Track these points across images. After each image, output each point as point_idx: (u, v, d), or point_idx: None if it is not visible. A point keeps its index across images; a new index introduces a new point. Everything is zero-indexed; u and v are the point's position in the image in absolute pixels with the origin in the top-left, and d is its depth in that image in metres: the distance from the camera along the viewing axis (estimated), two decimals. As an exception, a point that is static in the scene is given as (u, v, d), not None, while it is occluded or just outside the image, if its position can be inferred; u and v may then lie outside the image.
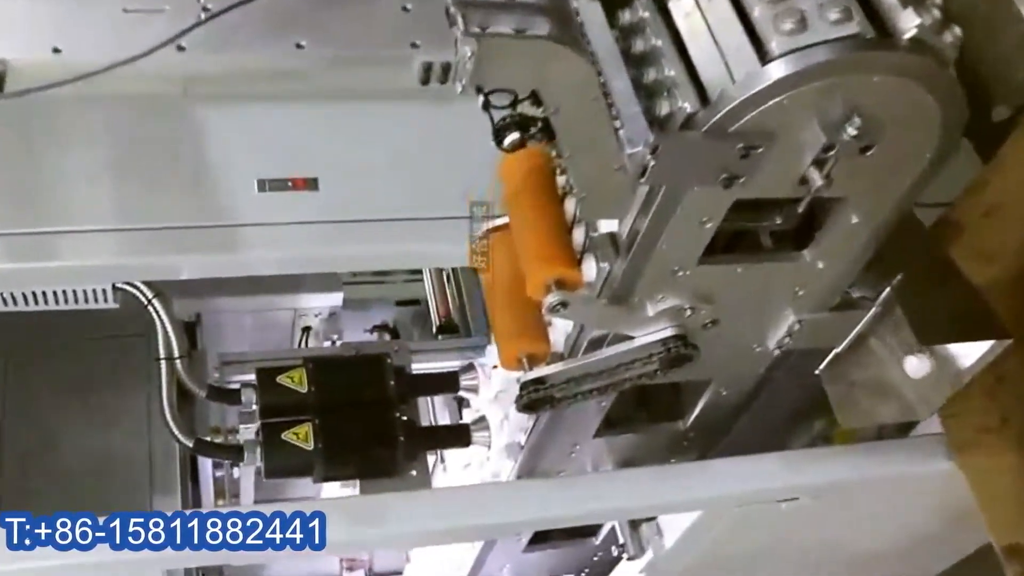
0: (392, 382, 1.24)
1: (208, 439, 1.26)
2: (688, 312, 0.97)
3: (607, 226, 0.92)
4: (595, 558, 1.61)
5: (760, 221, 0.96)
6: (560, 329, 1.05)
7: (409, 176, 1.24)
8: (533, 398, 1.00)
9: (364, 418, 1.21)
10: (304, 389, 1.20)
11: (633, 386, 1.03)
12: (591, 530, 1.58)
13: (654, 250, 0.89)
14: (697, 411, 1.22)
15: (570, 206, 1.00)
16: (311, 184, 1.22)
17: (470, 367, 1.28)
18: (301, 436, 1.17)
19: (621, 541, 1.25)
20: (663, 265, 0.91)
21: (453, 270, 1.75)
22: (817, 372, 1.15)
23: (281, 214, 1.18)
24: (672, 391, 1.28)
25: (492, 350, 1.24)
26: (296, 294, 1.62)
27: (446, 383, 1.28)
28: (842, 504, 1.20)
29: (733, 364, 1.12)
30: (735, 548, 1.24)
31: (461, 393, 1.29)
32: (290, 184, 1.21)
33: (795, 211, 0.90)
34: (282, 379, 1.21)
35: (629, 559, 1.25)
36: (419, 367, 1.31)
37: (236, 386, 1.22)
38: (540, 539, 1.52)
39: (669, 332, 0.99)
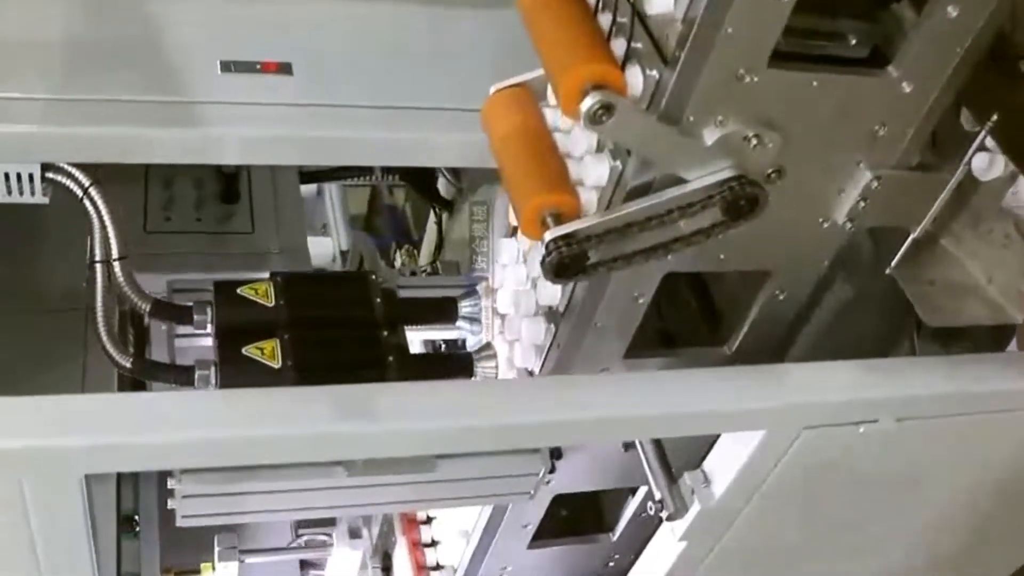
0: (379, 300, 1.02)
1: (152, 360, 1.03)
2: (753, 142, 0.79)
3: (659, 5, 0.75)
4: (611, 563, 1.36)
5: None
6: (591, 187, 0.86)
7: (395, 65, 1.07)
8: (563, 255, 0.79)
9: (344, 336, 0.99)
10: (270, 303, 0.98)
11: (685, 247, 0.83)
12: (607, 524, 1.33)
13: (718, 35, 0.71)
14: (746, 328, 1.01)
15: (604, 20, 0.82)
16: (284, 68, 1.04)
17: (471, 292, 1.07)
18: (267, 352, 0.94)
19: (658, 497, 1.01)
20: (726, 64, 0.73)
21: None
22: (889, 270, 0.96)
23: (247, 95, 1.00)
24: (713, 314, 1.08)
25: (498, 269, 1.04)
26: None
27: (443, 310, 1.07)
28: (928, 439, 0.99)
29: (796, 246, 0.92)
30: (797, 496, 1.01)
31: (459, 325, 1.08)
32: (259, 67, 1.04)
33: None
34: (244, 291, 0.99)
35: (668, 518, 1.01)
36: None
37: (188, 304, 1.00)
38: (546, 535, 1.28)
39: (729, 172, 0.80)
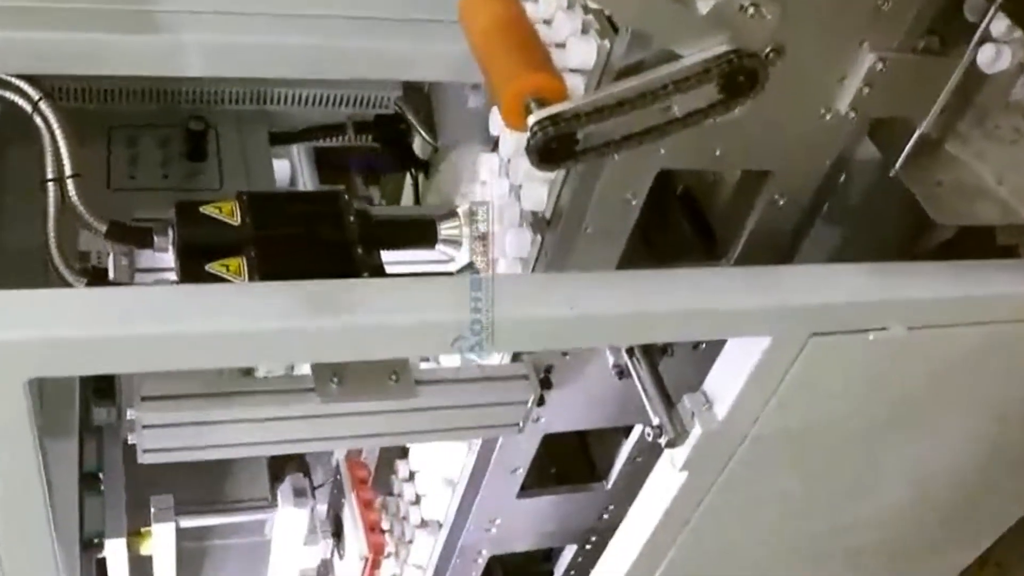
0: (352, 219, 0.96)
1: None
2: (750, 11, 0.73)
3: None
4: (605, 515, 1.29)
5: None
6: (577, 71, 0.80)
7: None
8: (550, 135, 0.73)
9: (315, 254, 0.92)
10: (236, 221, 0.92)
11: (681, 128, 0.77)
12: (600, 472, 1.27)
13: None
14: (743, 240, 0.95)
15: None
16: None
17: (451, 213, 1.01)
18: (232, 269, 0.88)
19: (656, 423, 0.95)
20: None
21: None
22: (893, 173, 0.91)
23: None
24: (707, 232, 1.02)
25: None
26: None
27: (421, 232, 1.00)
28: (940, 350, 0.93)
29: (796, 141, 0.87)
30: (803, 417, 0.95)
31: (439, 248, 1.01)
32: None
33: None
34: (208, 209, 0.92)
35: (668, 445, 0.94)
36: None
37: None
38: (538, 483, 1.21)
39: (726, 46, 0.74)
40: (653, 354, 1.01)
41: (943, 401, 1.00)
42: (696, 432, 0.93)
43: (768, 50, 0.76)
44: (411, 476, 1.26)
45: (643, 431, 1.14)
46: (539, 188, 0.88)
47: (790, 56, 0.78)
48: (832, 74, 0.82)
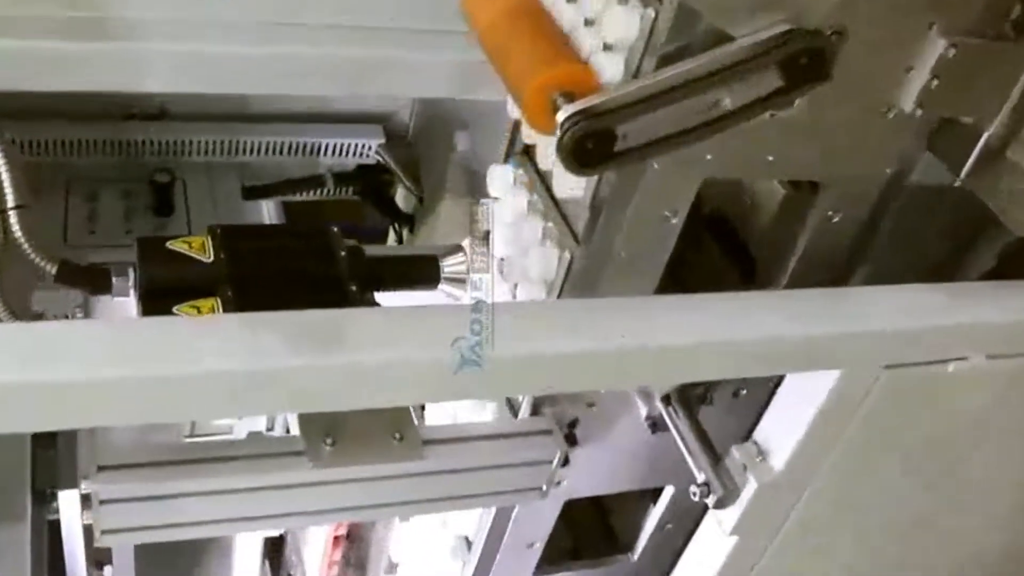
0: (343, 253, 0.83)
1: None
2: (812, -14, 0.63)
3: None
4: (631, 593, 1.14)
5: None
6: (615, 51, 0.69)
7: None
8: (586, 130, 0.61)
9: (304, 293, 0.79)
10: (208, 258, 0.79)
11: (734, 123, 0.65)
12: (623, 543, 1.13)
13: None
14: (792, 266, 0.84)
15: None
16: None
17: (455, 249, 0.89)
18: (204, 311, 0.74)
19: (701, 479, 0.82)
20: None
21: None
22: (959, 182, 0.81)
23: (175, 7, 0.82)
24: (745, 258, 0.91)
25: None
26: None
27: (423, 270, 0.88)
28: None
29: (855, 145, 0.76)
30: (873, 460, 0.82)
31: (443, 288, 0.89)
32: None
33: None
34: (175, 245, 0.79)
35: (717, 505, 0.81)
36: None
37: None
38: (552, 559, 1.07)
39: (783, 26, 0.64)
40: (691, 402, 0.88)
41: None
42: (750, 488, 0.80)
43: (829, 32, 0.66)
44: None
45: (674, 494, 1.01)
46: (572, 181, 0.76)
47: (852, 41, 0.67)
48: (897, 63, 0.71)
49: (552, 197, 0.80)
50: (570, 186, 0.76)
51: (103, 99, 1.39)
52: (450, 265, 0.88)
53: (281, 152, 1.53)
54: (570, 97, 0.64)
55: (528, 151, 0.90)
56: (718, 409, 0.92)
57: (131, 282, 0.78)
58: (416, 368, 0.59)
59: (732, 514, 0.81)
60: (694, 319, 0.67)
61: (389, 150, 1.61)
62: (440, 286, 0.89)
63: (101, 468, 0.71)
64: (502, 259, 0.84)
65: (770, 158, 0.74)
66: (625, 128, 0.63)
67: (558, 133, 0.63)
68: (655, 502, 1.06)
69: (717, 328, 0.67)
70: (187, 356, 0.54)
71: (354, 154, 1.59)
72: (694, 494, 0.82)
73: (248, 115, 1.51)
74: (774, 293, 0.76)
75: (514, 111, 0.82)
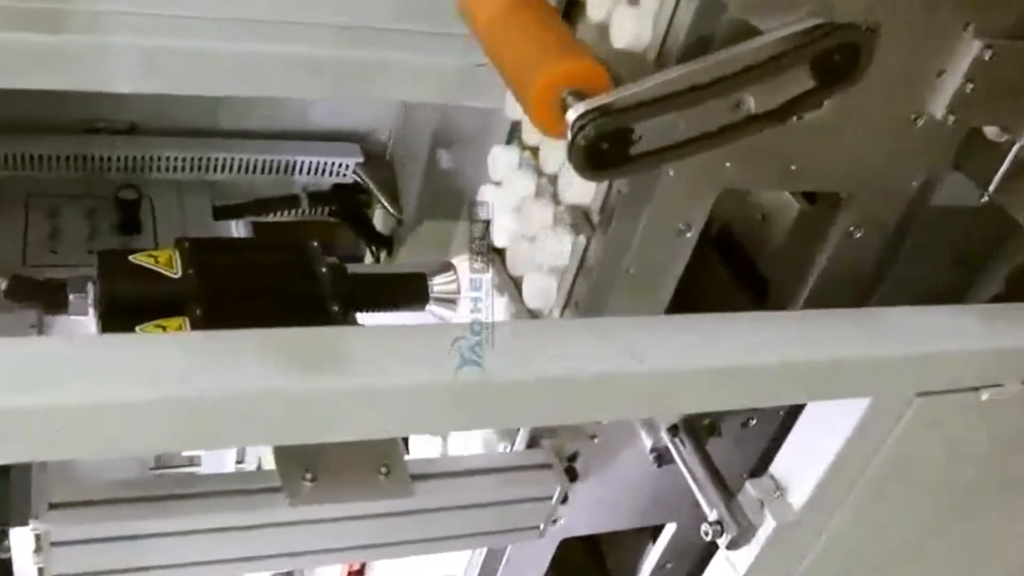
0: (324, 270, 0.76)
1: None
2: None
3: None
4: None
5: None
6: (628, 39, 0.63)
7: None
8: (601, 130, 0.55)
9: (281, 311, 0.72)
10: (176, 273, 0.72)
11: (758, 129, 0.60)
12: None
13: None
14: (810, 286, 0.78)
15: None
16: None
17: (446, 266, 0.82)
18: (171, 331, 0.67)
19: (713, 518, 0.76)
20: None
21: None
22: (986, 197, 0.76)
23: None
24: (757, 281, 0.85)
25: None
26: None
27: (410, 289, 0.81)
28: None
29: (883, 153, 0.71)
30: (896, 498, 0.76)
31: (431, 309, 0.82)
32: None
33: None
34: (139, 259, 0.72)
35: (731, 545, 0.75)
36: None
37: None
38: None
39: (814, 20, 0.58)
40: (699, 433, 0.82)
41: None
42: (767, 527, 0.73)
43: (864, 27, 0.61)
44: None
45: (675, 531, 0.94)
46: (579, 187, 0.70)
47: (885, 40, 0.62)
48: (930, 65, 0.66)
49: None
50: (578, 193, 0.70)
51: (67, 110, 1.31)
52: (440, 284, 0.82)
53: (254, 170, 1.46)
54: (580, 96, 0.58)
55: (532, 153, 0.84)
56: (726, 440, 0.86)
57: (90, 299, 0.71)
58: (418, 394, 0.52)
59: (746, 555, 0.75)
60: (713, 341, 0.61)
61: (367, 169, 1.54)
62: (428, 306, 0.82)
63: (53, 506, 0.63)
64: (503, 249, 0.76)
65: (793, 167, 0.68)
66: (641, 130, 0.57)
67: (569, 134, 0.57)
68: (654, 540, 0.99)
69: (737, 352, 0.61)
70: (146, 378, 0.47)
71: (330, 173, 1.52)
72: (706, 533, 0.76)
73: (219, 131, 1.44)
74: (796, 314, 0.71)
75: (515, 111, 0.76)
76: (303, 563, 0.82)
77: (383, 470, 0.71)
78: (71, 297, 0.71)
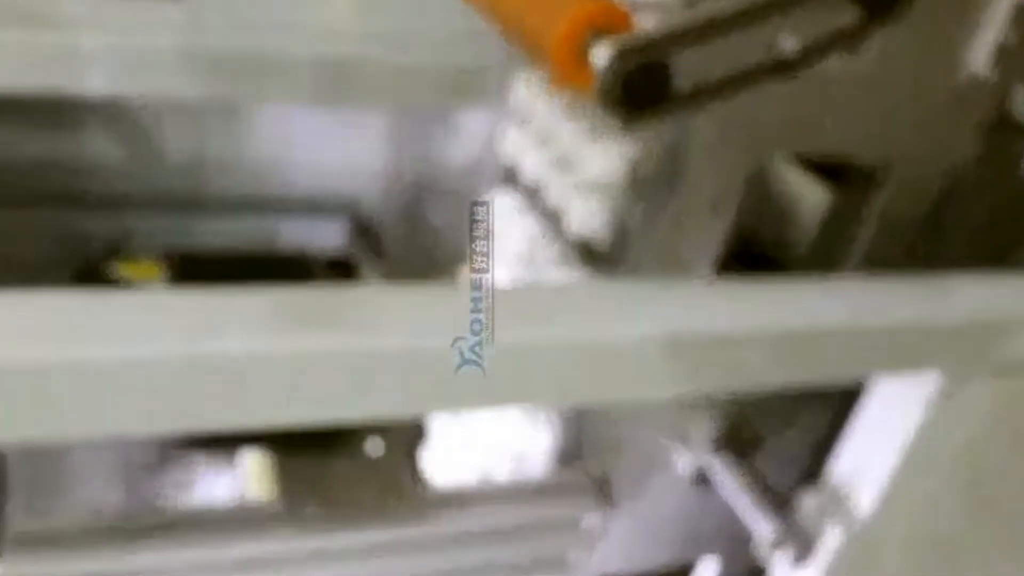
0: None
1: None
2: None
3: None
4: None
5: None
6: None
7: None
8: (634, 65, 0.50)
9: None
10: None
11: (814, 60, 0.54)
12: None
13: None
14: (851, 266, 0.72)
15: None
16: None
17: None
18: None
19: (770, 536, 0.67)
20: None
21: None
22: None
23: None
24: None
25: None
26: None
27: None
28: None
29: (921, 121, 0.66)
30: (970, 489, 0.67)
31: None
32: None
33: None
34: (120, 272, 0.65)
35: (798, 560, 0.66)
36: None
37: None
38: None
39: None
40: (743, 448, 0.74)
41: None
42: (834, 537, 0.65)
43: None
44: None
45: (717, 566, 0.85)
46: (591, 201, 0.64)
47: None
48: (970, 15, 0.62)
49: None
50: (587, 217, 0.64)
51: (42, 181, 1.26)
52: None
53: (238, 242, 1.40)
54: (606, 35, 0.53)
55: (532, 192, 0.78)
56: (767, 455, 0.78)
57: None
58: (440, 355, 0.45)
59: (819, 566, 0.66)
60: (756, 306, 0.54)
61: (355, 238, 1.49)
62: None
63: (17, 537, 0.55)
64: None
65: (830, 129, 0.63)
66: (676, 68, 0.52)
67: (600, 73, 0.51)
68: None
69: (785, 315, 0.54)
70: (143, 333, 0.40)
71: (317, 244, 1.46)
72: (763, 554, 0.67)
73: (202, 202, 1.39)
74: (850, 280, 0.64)
75: (509, 153, 0.71)
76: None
77: (395, 495, 0.63)
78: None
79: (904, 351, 0.57)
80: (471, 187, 1.28)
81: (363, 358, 0.44)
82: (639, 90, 0.51)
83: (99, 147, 1.22)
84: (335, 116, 1.32)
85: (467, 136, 1.25)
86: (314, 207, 1.47)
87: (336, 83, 0.72)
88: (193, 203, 1.38)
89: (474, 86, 0.76)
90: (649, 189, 0.61)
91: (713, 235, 0.64)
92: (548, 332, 0.48)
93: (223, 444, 0.68)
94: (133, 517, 0.59)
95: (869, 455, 0.64)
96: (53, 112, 1.15)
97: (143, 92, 0.70)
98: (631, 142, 0.61)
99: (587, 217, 0.64)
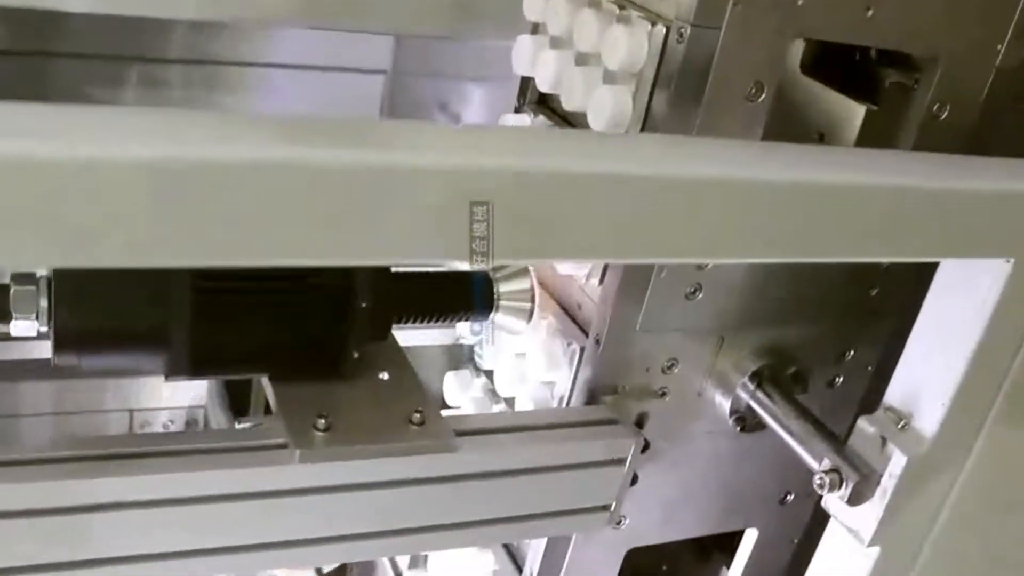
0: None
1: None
2: None
3: None
4: None
5: None
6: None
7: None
8: None
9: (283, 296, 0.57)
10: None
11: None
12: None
13: None
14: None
15: None
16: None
17: (521, 272, 0.66)
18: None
19: (825, 466, 0.60)
20: None
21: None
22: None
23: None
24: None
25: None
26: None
27: (475, 294, 0.65)
28: None
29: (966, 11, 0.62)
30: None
31: (499, 319, 0.66)
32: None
33: None
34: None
35: (851, 500, 0.59)
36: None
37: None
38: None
39: None
40: (785, 386, 0.68)
41: None
42: (897, 465, 0.58)
43: None
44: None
45: (756, 539, 0.77)
46: (616, 94, 0.58)
47: None
48: None
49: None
50: (610, 113, 0.60)
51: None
52: (510, 286, 0.66)
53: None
54: None
55: (544, 100, 0.74)
56: (811, 401, 0.72)
57: (36, 309, 0.55)
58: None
59: (872, 512, 0.59)
60: (801, 162, 0.49)
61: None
62: (495, 316, 0.67)
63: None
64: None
65: (871, 13, 0.59)
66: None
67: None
68: (728, 565, 0.82)
69: (828, 172, 0.49)
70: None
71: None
72: (820, 485, 0.60)
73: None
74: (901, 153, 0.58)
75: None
76: (310, 558, 0.64)
77: (416, 418, 0.56)
78: (15, 317, 0.54)
79: (975, 234, 0.52)
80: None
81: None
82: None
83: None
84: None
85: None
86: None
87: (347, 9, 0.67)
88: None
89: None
90: (678, 77, 0.57)
91: (750, 129, 0.59)
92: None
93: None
94: (108, 442, 0.52)
95: (931, 366, 0.58)
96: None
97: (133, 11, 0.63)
98: (658, 25, 0.56)
99: (611, 113, 0.59)
